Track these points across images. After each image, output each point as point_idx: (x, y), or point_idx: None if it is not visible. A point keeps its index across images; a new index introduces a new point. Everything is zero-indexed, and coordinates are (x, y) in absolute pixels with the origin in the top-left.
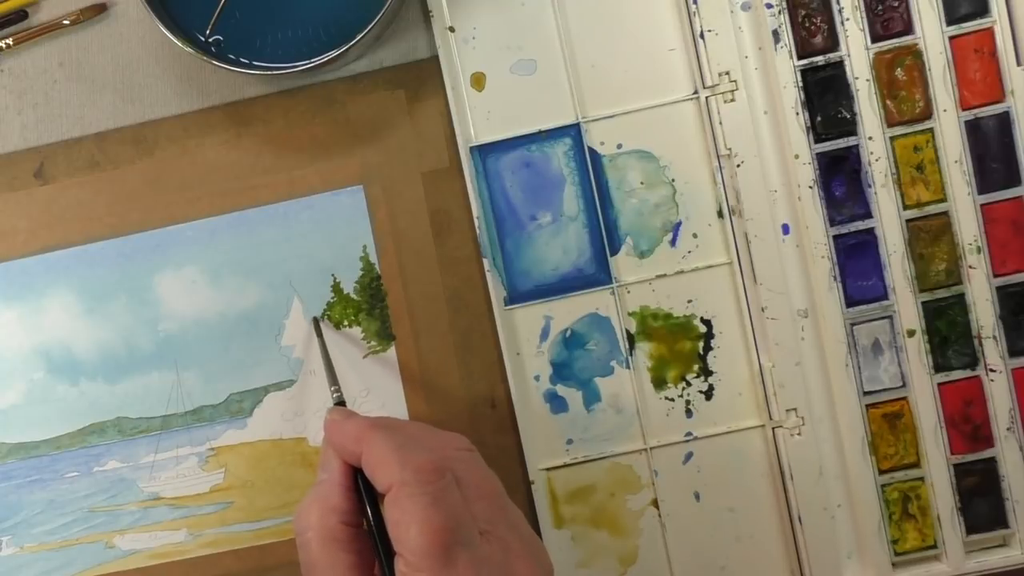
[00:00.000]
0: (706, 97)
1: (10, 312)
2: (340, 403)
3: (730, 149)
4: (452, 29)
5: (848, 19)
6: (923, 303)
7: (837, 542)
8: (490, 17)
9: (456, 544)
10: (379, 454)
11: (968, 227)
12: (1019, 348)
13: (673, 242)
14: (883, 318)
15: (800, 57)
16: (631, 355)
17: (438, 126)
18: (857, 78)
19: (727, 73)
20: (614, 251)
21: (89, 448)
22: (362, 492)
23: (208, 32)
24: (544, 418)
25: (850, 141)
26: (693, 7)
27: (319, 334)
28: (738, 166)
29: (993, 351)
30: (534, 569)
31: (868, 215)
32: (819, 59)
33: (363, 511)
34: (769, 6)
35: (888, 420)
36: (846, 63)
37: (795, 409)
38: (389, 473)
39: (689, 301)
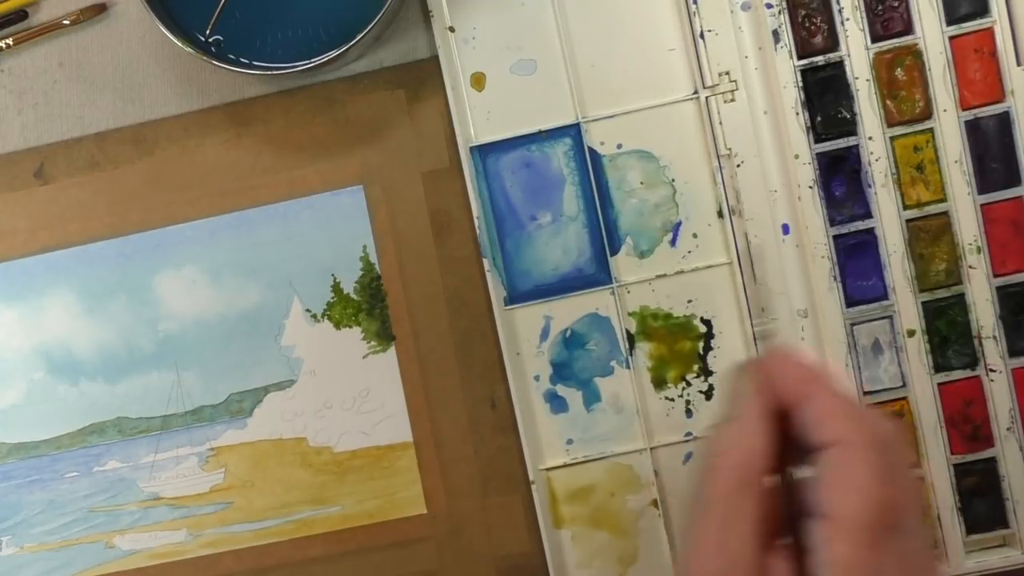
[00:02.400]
0: (706, 97)
1: (10, 312)
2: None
3: (730, 149)
4: (452, 29)
5: (848, 19)
6: (923, 303)
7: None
8: (490, 17)
9: (895, 527)
10: (835, 404)
11: (968, 227)
12: (1019, 348)
13: (673, 242)
14: (883, 318)
15: (800, 57)
16: (631, 355)
17: (438, 126)
18: (857, 78)
19: (727, 73)
20: (614, 251)
21: (89, 448)
22: (791, 441)
23: (208, 32)
24: (544, 418)
25: (850, 141)
26: (693, 7)
27: None
28: (738, 166)
29: (993, 351)
30: None
31: (868, 215)
32: (819, 59)
33: (782, 461)
34: (769, 6)
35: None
36: (846, 63)
37: None
38: (841, 428)
39: (689, 301)
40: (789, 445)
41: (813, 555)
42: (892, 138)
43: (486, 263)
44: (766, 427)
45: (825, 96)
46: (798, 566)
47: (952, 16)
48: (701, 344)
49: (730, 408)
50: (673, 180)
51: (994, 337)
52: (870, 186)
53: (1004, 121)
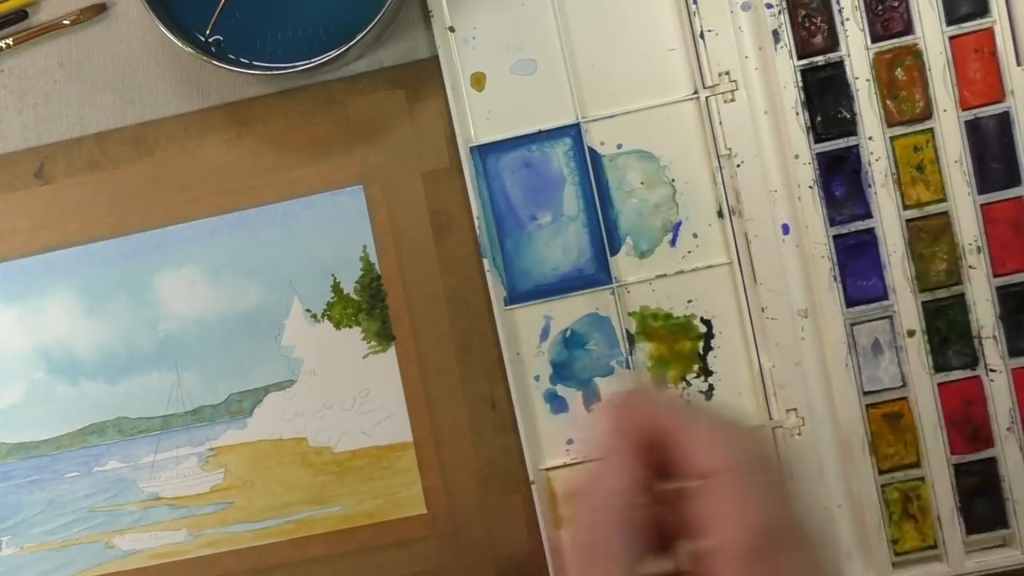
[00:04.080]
0: (706, 97)
1: (10, 312)
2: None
3: (730, 149)
4: (452, 29)
5: (848, 19)
6: (923, 303)
7: (837, 542)
8: (490, 17)
9: (777, 546)
10: (702, 435)
11: (968, 227)
12: (1019, 348)
13: (673, 242)
14: (883, 318)
15: (800, 57)
16: (631, 355)
17: (438, 126)
18: (857, 78)
19: (727, 73)
20: (614, 251)
21: (89, 448)
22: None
23: (208, 32)
24: (544, 418)
25: (850, 141)
26: (693, 7)
27: None
28: (738, 166)
29: (993, 351)
30: None
31: (868, 215)
32: (819, 59)
33: (651, 494)
34: (769, 6)
35: (888, 420)
36: (846, 63)
37: (795, 409)
38: (709, 458)
39: (689, 301)
40: (672, 469)
41: None
42: (892, 138)
43: (486, 263)
44: (628, 465)
45: (825, 96)
46: None
47: (952, 16)
48: (701, 344)
49: (593, 450)
50: (673, 180)
51: (994, 337)
52: (870, 186)
53: (1004, 121)
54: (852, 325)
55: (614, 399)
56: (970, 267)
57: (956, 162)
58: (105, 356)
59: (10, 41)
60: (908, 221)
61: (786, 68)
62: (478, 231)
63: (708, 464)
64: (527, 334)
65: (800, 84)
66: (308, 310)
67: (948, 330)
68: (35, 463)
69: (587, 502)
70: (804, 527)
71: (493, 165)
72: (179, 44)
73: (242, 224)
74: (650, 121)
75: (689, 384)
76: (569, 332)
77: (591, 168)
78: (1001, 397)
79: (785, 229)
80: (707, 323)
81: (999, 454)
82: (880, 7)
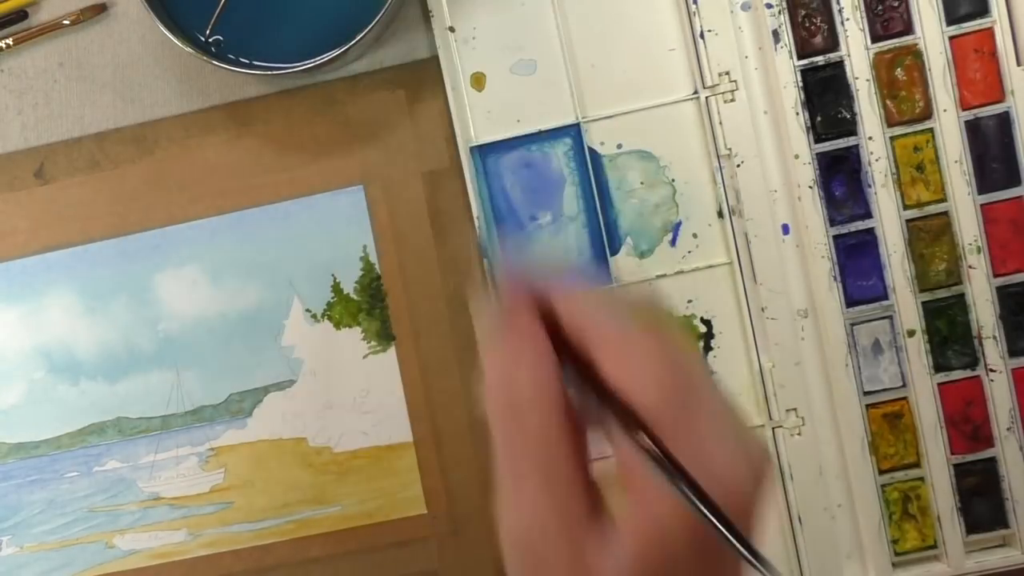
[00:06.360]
0: (706, 97)
1: (10, 312)
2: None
3: (730, 149)
4: (452, 29)
5: (848, 19)
6: (923, 303)
7: (837, 542)
8: (490, 17)
9: (693, 397)
10: (591, 309)
11: (968, 227)
12: (1019, 348)
13: (673, 242)
14: (883, 318)
15: (800, 57)
16: None
17: (438, 126)
18: (857, 78)
19: (727, 73)
20: (614, 251)
21: (89, 448)
22: (566, 352)
23: (208, 32)
24: None
25: (850, 141)
26: (693, 7)
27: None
28: (738, 166)
29: (993, 351)
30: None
31: (868, 215)
32: (819, 59)
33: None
34: (769, 6)
35: (888, 420)
36: (846, 63)
37: (795, 409)
38: (608, 328)
39: (689, 301)
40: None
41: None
42: (892, 138)
43: (486, 263)
44: (548, 347)
45: (825, 96)
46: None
47: (952, 16)
48: (701, 344)
49: (490, 343)
50: (673, 180)
51: (994, 337)
52: (870, 186)
53: (1004, 121)
54: (852, 325)
55: (504, 275)
56: (970, 267)
57: (956, 162)
58: (105, 356)
59: (10, 41)
60: (908, 221)
61: (786, 68)
62: (478, 231)
63: (605, 334)
64: None
65: (800, 84)
66: (308, 310)
67: (948, 330)
68: (35, 463)
69: (514, 394)
70: (708, 376)
71: (493, 165)
72: (179, 44)
73: (242, 224)
74: (650, 121)
75: None
76: None
77: (591, 168)
78: (1001, 397)
79: (785, 229)
80: (707, 323)
81: (999, 454)
82: (880, 7)
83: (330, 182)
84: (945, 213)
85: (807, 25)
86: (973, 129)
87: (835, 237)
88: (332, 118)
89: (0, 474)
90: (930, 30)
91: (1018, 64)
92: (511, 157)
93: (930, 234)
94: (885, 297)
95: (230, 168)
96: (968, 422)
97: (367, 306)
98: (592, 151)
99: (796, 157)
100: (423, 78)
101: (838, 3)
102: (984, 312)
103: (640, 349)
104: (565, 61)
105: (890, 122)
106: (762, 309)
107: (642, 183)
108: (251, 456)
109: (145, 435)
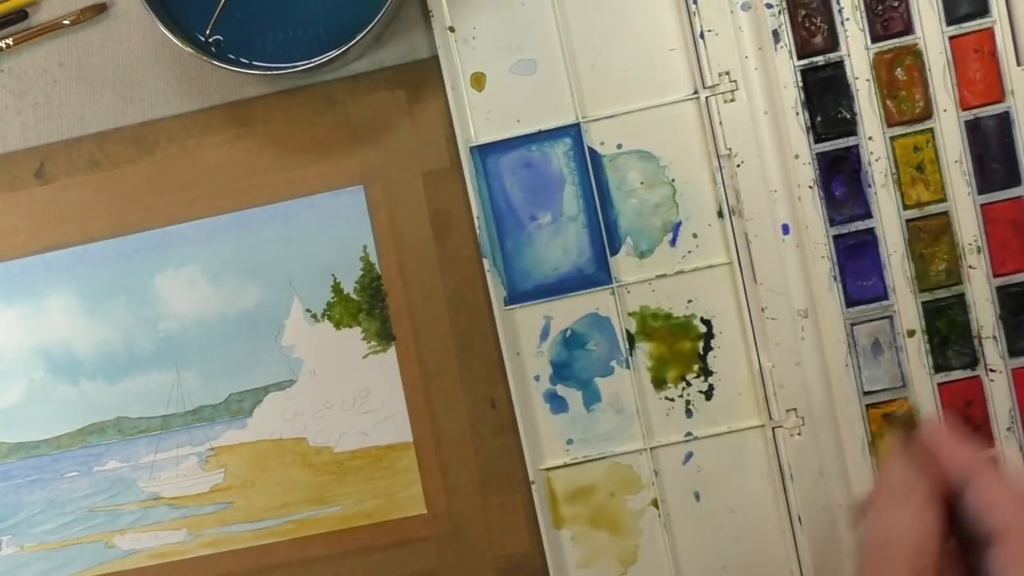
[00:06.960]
0: (706, 97)
1: (10, 312)
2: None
3: (730, 149)
4: (452, 29)
5: (848, 19)
6: (923, 303)
7: (837, 542)
8: (490, 17)
9: None
10: (1001, 490)
11: (968, 227)
12: (1019, 348)
13: (673, 242)
14: (883, 318)
15: (800, 57)
16: (631, 355)
17: (438, 126)
18: (857, 78)
19: (727, 73)
20: (614, 251)
21: (89, 448)
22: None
23: (208, 32)
24: (544, 418)
25: (850, 141)
26: (693, 7)
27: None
28: (738, 166)
29: (993, 351)
30: None
31: (868, 215)
32: (819, 59)
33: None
34: (769, 6)
35: (888, 420)
36: (846, 63)
37: (795, 409)
38: (1010, 515)
39: (689, 301)
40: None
41: None
42: (892, 138)
43: (486, 263)
44: (937, 510)
45: (825, 96)
46: None
47: (952, 16)
48: (701, 344)
49: (888, 485)
50: (673, 180)
51: (994, 337)
52: (870, 186)
53: (1004, 121)
54: (852, 325)
55: (918, 438)
56: (970, 267)
57: (956, 162)
58: (105, 356)
59: (10, 41)
60: (908, 221)
61: (786, 68)
62: (478, 231)
63: (1006, 520)
64: (527, 334)
65: (800, 84)
66: (308, 310)
67: (948, 330)
68: (35, 463)
69: (899, 547)
70: None
71: (493, 165)
72: (179, 44)
73: (242, 224)
74: (650, 121)
75: (689, 384)
76: (569, 332)
77: (591, 168)
78: (1001, 397)
79: (785, 229)
80: (707, 323)
81: (999, 454)
82: (880, 7)
83: (330, 182)
84: (945, 213)
85: (807, 25)
86: (973, 129)
87: (835, 237)
88: (332, 118)
89: (0, 474)
90: (930, 30)
91: (1018, 64)
92: (511, 157)
93: (930, 234)
94: (885, 297)
95: (230, 168)
96: (968, 422)
97: (367, 306)
98: (592, 151)
99: (796, 157)
100: (423, 78)
101: (838, 3)
102: (984, 312)
103: None
104: (565, 61)
105: (890, 122)
106: (762, 309)
107: (642, 183)
108: (251, 456)
109: (145, 435)
